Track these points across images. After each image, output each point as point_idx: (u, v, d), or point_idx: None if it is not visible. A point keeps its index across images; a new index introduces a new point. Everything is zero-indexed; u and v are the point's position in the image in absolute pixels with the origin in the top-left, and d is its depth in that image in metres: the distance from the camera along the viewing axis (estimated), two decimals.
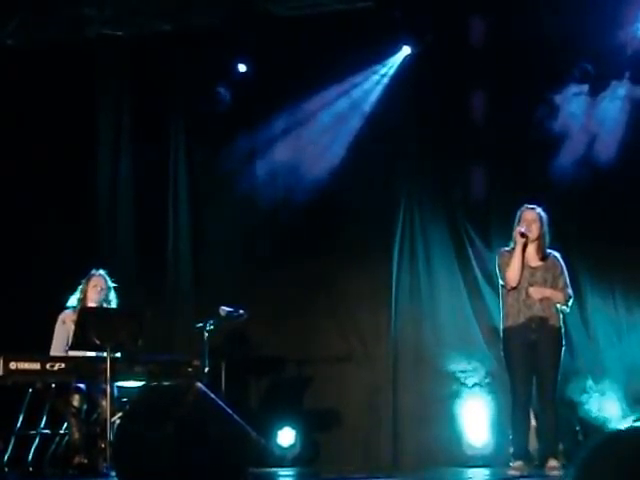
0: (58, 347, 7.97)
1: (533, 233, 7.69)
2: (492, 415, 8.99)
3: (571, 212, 8.81)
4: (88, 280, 8.20)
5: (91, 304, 8.07)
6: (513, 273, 7.65)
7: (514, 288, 7.65)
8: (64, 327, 7.99)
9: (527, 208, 7.77)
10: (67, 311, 8.12)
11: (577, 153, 8.84)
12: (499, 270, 7.77)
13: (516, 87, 8.95)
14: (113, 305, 8.20)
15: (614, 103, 8.90)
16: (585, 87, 8.89)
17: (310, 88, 9.59)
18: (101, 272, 8.25)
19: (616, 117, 8.88)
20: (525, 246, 7.67)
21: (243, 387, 9.61)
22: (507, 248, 7.80)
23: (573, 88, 8.87)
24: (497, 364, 8.51)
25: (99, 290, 8.14)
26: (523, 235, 7.63)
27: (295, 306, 9.61)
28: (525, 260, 7.70)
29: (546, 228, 7.77)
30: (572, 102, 8.90)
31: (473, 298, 9.24)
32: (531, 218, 7.72)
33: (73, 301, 8.17)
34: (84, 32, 9.84)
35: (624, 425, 4.40)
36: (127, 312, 7.99)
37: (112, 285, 8.23)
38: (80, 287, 8.19)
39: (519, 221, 7.73)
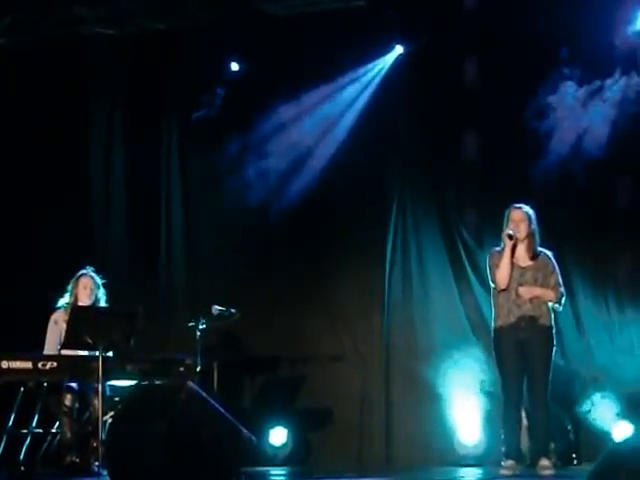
0: (51, 347, 7.96)
1: (521, 233, 7.68)
2: (484, 414, 9.00)
3: (563, 211, 8.82)
4: (77, 281, 8.18)
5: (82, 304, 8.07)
6: (502, 275, 7.65)
7: (504, 290, 7.66)
8: (56, 327, 7.98)
9: (514, 207, 7.75)
10: (58, 311, 8.11)
11: (569, 151, 8.85)
12: (489, 271, 7.78)
13: (509, 86, 8.96)
14: (102, 302, 8.19)
15: (607, 100, 8.90)
16: (577, 85, 8.90)
17: (303, 87, 9.60)
18: (89, 271, 8.23)
19: (609, 115, 8.88)
20: (514, 247, 7.67)
21: (235, 386, 9.61)
22: (498, 248, 7.79)
23: (566, 86, 8.88)
24: (489, 363, 8.51)
25: (89, 292, 8.14)
26: (511, 237, 7.63)
27: (287, 305, 9.62)
28: (515, 260, 7.69)
29: (535, 226, 7.75)
30: (565, 100, 8.91)
31: (465, 297, 9.25)
32: (518, 218, 7.71)
33: (64, 302, 8.16)
34: (78, 31, 9.83)
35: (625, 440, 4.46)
36: (119, 311, 7.97)
37: (101, 282, 8.22)
38: (69, 288, 8.17)
39: (507, 221, 7.72)
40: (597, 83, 8.86)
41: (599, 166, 8.79)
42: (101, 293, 8.21)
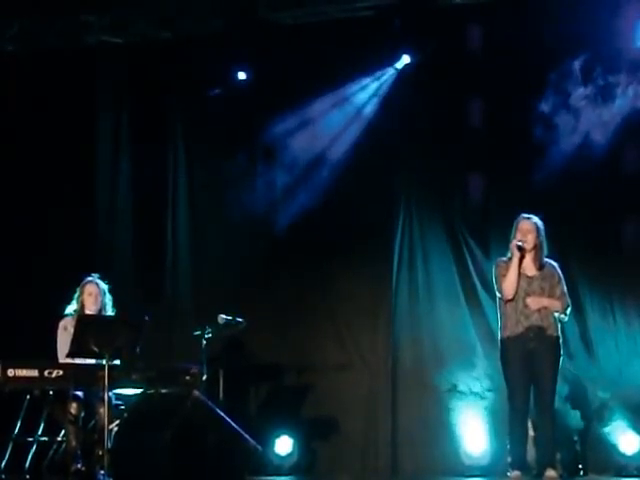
0: (65, 354, 7.92)
1: (529, 243, 7.66)
2: (490, 424, 8.99)
3: (570, 221, 8.81)
4: (82, 288, 8.18)
5: (89, 312, 8.06)
6: (509, 285, 7.62)
7: (511, 300, 7.64)
8: (66, 333, 7.96)
9: (523, 218, 7.74)
10: (67, 318, 8.11)
11: (575, 159, 8.84)
12: (496, 281, 7.76)
13: (514, 95, 8.96)
14: (109, 308, 8.19)
15: (613, 107, 8.89)
16: (583, 94, 8.90)
17: (310, 96, 9.60)
18: (95, 278, 8.22)
19: (614, 122, 8.87)
20: (522, 258, 7.65)
21: (241, 395, 9.59)
22: (504, 258, 7.77)
23: (573, 96, 8.87)
24: (495, 373, 8.49)
25: (94, 299, 8.13)
26: (520, 248, 7.61)
27: (293, 314, 9.61)
28: (522, 270, 7.68)
29: (543, 237, 7.73)
30: (570, 106, 8.90)
31: (471, 307, 9.23)
32: (527, 228, 7.69)
33: (71, 309, 8.16)
34: (84, 39, 9.86)
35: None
36: (125, 319, 7.95)
37: (106, 288, 8.22)
38: (76, 296, 8.17)
39: (515, 231, 7.71)
40: (603, 89, 8.86)
41: (608, 177, 8.78)
42: (107, 299, 8.21)
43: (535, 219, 7.72)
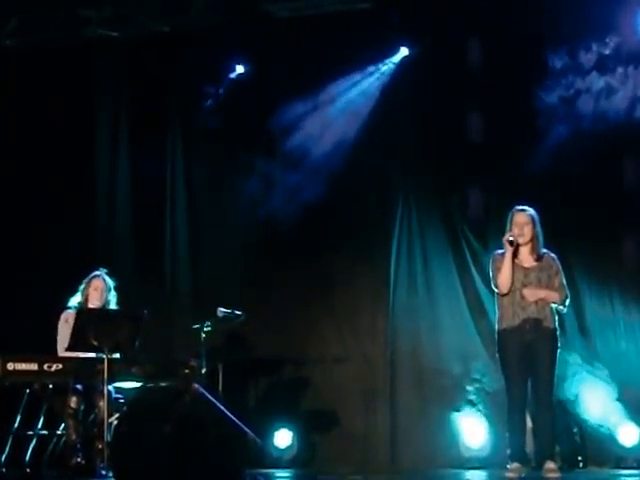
0: (64, 347, 7.93)
1: (525, 235, 7.62)
2: (489, 417, 9.00)
3: (568, 212, 8.81)
4: (89, 282, 8.17)
5: (92, 307, 8.07)
6: (503, 280, 7.59)
7: (507, 293, 7.63)
8: (67, 325, 7.96)
9: (517, 210, 7.68)
10: (69, 311, 8.10)
11: (574, 152, 8.85)
12: (492, 274, 7.74)
13: (514, 87, 8.97)
14: (112, 304, 8.19)
15: (614, 99, 8.89)
16: (584, 85, 8.90)
17: (308, 89, 9.60)
18: (102, 273, 8.22)
19: (611, 113, 8.87)
20: (516, 251, 7.63)
21: (240, 388, 9.61)
22: (500, 251, 7.73)
23: (573, 87, 8.87)
24: (494, 365, 8.49)
25: (99, 294, 8.13)
26: (511, 243, 7.58)
27: (293, 308, 9.62)
28: (519, 261, 7.65)
29: (539, 228, 7.69)
30: (572, 101, 8.91)
31: (470, 299, 9.25)
32: (522, 221, 7.64)
33: (74, 301, 8.15)
34: (82, 33, 9.85)
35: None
36: (125, 313, 7.97)
37: (112, 284, 8.21)
38: (81, 289, 8.16)
39: (511, 224, 7.66)
40: (604, 79, 8.86)
41: (606, 168, 8.79)
42: (112, 295, 8.20)
43: (530, 211, 7.67)
